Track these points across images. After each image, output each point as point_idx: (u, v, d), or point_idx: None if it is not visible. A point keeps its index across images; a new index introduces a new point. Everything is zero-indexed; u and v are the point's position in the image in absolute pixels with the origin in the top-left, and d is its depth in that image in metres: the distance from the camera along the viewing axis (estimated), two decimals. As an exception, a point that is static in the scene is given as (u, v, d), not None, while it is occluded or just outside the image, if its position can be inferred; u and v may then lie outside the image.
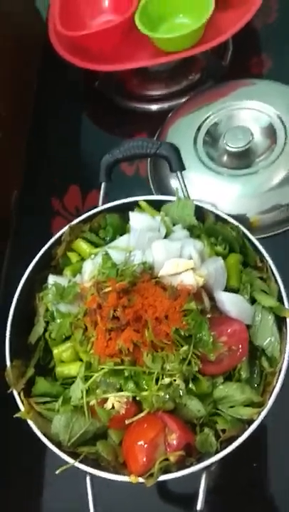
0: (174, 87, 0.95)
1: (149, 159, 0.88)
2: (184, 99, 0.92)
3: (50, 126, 1.01)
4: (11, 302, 0.61)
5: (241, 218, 0.76)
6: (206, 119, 0.83)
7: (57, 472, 0.49)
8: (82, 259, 0.64)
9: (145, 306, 0.51)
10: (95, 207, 0.66)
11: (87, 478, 0.51)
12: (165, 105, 0.95)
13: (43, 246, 0.64)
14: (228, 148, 0.78)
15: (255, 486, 0.60)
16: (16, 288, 0.61)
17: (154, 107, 0.96)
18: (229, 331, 0.52)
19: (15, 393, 0.55)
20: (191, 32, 0.84)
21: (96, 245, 0.64)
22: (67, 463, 0.51)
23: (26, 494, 0.66)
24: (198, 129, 0.82)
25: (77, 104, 1.04)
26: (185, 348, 0.49)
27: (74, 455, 0.52)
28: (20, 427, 0.53)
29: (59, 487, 0.63)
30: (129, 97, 0.97)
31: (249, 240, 0.59)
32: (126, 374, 0.49)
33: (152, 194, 0.84)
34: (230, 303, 0.54)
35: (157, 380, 0.49)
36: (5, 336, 0.58)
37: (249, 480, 0.61)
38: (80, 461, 0.51)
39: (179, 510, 0.59)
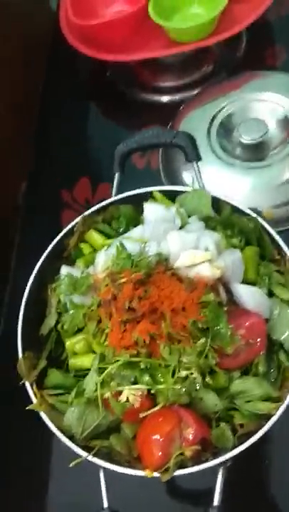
0: (187, 78, 0.94)
1: (160, 151, 0.87)
2: (196, 91, 0.91)
3: (60, 118, 1.00)
4: (22, 294, 0.59)
5: (253, 211, 0.75)
6: (219, 111, 0.81)
7: (70, 465, 0.49)
8: (95, 251, 0.63)
9: (161, 297, 0.50)
10: (105, 199, 0.65)
11: (101, 472, 0.50)
12: (177, 97, 0.94)
13: (52, 238, 0.63)
14: (242, 140, 0.77)
15: (268, 483, 0.59)
16: (25, 280, 0.60)
17: (165, 99, 0.95)
18: (247, 324, 0.51)
19: (27, 385, 0.54)
20: (205, 22, 0.83)
21: (109, 236, 0.63)
22: (78, 456, 0.50)
23: (36, 489, 0.65)
24: (212, 120, 0.81)
25: (87, 95, 1.03)
26: (202, 340, 0.48)
27: (87, 448, 0.51)
28: (30, 420, 0.52)
29: (70, 481, 0.62)
30: (140, 88, 0.96)
31: (267, 232, 0.58)
32: (142, 366, 0.48)
33: (165, 186, 0.83)
34: (248, 296, 0.52)
35: (174, 373, 0.48)
36: (16, 328, 0.57)
37: (261, 476, 0.60)
38: (94, 455, 0.50)
39: (193, 505, 0.58)
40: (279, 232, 0.76)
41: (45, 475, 0.65)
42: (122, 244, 0.56)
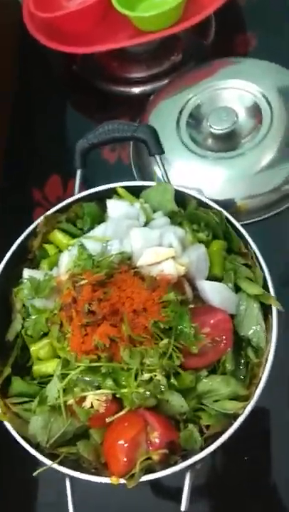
0: (156, 68, 0.91)
1: (131, 145, 0.85)
2: (166, 81, 0.88)
3: (29, 113, 0.97)
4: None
5: (228, 203, 0.74)
6: (188, 101, 0.79)
7: (34, 474, 0.47)
8: (60, 251, 0.61)
9: (122, 298, 0.48)
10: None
11: (67, 481, 0.49)
12: (147, 88, 0.91)
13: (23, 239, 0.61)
14: (212, 130, 0.75)
15: (248, 481, 0.58)
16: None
17: (135, 90, 0.92)
18: (212, 321, 0.49)
19: (-10, 394, 0.52)
20: (171, 9, 0.80)
21: (74, 236, 0.61)
22: (46, 465, 0.49)
23: (5, 496, 0.63)
24: (181, 111, 0.79)
25: (56, 89, 1.00)
26: (165, 341, 0.47)
27: (53, 456, 0.50)
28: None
29: (39, 489, 0.60)
30: (109, 80, 0.93)
31: (233, 225, 0.56)
32: (103, 371, 0.47)
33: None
34: (213, 292, 0.51)
35: (136, 376, 0.46)
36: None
37: (242, 474, 0.59)
38: (60, 463, 0.49)
39: (163, 510, 0.56)
40: (255, 223, 0.75)
41: (10, 484, 0.63)
42: (82, 245, 0.54)
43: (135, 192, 0.62)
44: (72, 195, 0.63)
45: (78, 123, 0.94)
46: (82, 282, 0.50)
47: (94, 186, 0.63)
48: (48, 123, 0.96)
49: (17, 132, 0.96)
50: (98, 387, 0.48)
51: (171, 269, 0.51)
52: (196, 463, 0.46)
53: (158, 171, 0.62)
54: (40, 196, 0.87)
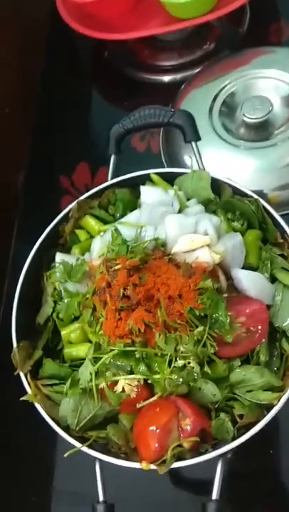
0: (188, 56, 0.90)
1: (161, 132, 0.84)
2: (197, 70, 0.87)
3: (58, 101, 0.97)
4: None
5: (258, 194, 0.72)
6: (222, 89, 0.78)
7: (65, 455, 0.47)
8: (91, 237, 0.61)
9: (157, 284, 0.48)
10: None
11: (97, 464, 0.49)
12: (178, 76, 0.90)
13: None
14: (245, 119, 0.74)
15: (272, 473, 0.57)
16: (23, 268, 0.58)
17: (166, 78, 0.91)
18: (248, 311, 0.48)
19: (21, 375, 0.52)
20: (206, -4, 0.79)
21: (105, 222, 0.61)
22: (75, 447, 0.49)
23: (35, 479, 0.64)
24: (214, 99, 0.78)
25: (85, 77, 1.00)
26: (200, 328, 0.46)
27: (83, 440, 0.50)
28: (28, 410, 0.51)
29: (69, 472, 0.61)
30: (140, 68, 0.93)
31: (270, 214, 0.55)
32: (137, 356, 0.47)
33: (165, 169, 0.80)
34: (249, 281, 0.50)
35: (170, 363, 0.46)
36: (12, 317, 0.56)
37: (265, 467, 0.58)
38: (90, 446, 0.49)
39: (191, 498, 0.56)
40: (283, 215, 0.73)
41: (41, 466, 0.64)
42: (116, 230, 0.54)
43: (168, 179, 0.62)
44: (101, 182, 0.62)
45: (107, 110, 0.94)
46: (117, 267, 0.50)
47: (122, 174, 0.63)
48: (76, 110, 0.96)
49: (46, 119, 0.96)
50: (130, 372, 0.48)
51: (206, 257, 0.50)
52: (227, 452, 0.46)
53: (192, 159, 0.61)
54: (68, 183, 0.87)
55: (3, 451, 0.67)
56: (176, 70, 0.90)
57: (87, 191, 0.84)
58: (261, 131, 0.75)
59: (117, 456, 0.48)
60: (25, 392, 0.52)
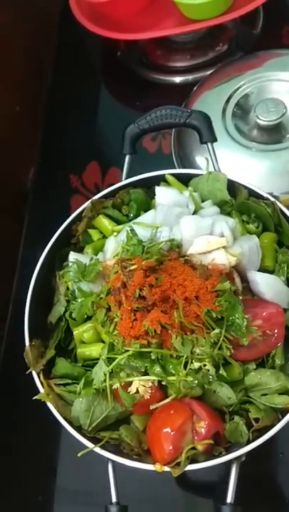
0: (200, 58, 0.90)
1: (173, 133, 0.84)
2: (210, 71, 0.87)
3: (68, 100, 0.97)
4: (29, 281, 0.57)
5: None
6: (235, 91, 0.78)
7: (79, 455, 0.47)
8: (104, 237, 0.61)
9: (173, 285, 0.48)
10: (113, 184, 0.62)
11: (109, 466, 0.48)
12: (189, 77, 0.90)
13: (61, 224, 0.61)
14: (259, 121, 0.73)
15: (285, 479, 0.57)
16: (33, 266, 0.58)
17: (177, 79, 0.91)
18: (264, 314, 0.48)
19: (34, 374, 0.52)
20: (220, -2, 0.79)
21: (118, 222, 0.61)
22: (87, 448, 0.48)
23: (47, 478, 0.64)
24: (228, 100, 0.77)
25: (97, 76, 1.00)
26: (216, 331, 0.46)
27: (95, 440, 0.49)
28: (36, 409, 0.51)
29: (79, 474, 0.61)
30: (152, 68, 0.92)
31: (286, 217, 0.55)
32: (152, 357, 0.46)
33: (177, 170, 0.79)
34: (266, 284, 0.50)
35: (186, 365, 0.46)
36: (22, 315, 0.55)
37: (277, 472, 0.58)
38: (102, 447, 0.48)
39: (205, 502, 0.56)
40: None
41: (54, 466, 0.63)
42: (132, 230, 0.53)
43: (182, 180, 0.61)
44: (110, 182, 0.62)
45: (118, 110, 0.94)
46: (132, 267, 0.50)
47: (133, 174, 0.63)
48: (87, 110, 0.95)
49: (57, 118, 0.96)
50: (144, 373, 0.48)
51: (222, 259, 0.50)
52: (242, 456, 0.46)
53: (208, 159, 0.61)
54: (78, 183, 0.87)
55: (11, 451, 0.67)
56: (189, 71, 0.90)
57: (97, 190, 0.85)
58: (274, 134, 0.74)
59: (130, 458, 0.48)
60: (32, 392, 0.51)
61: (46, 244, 0.59)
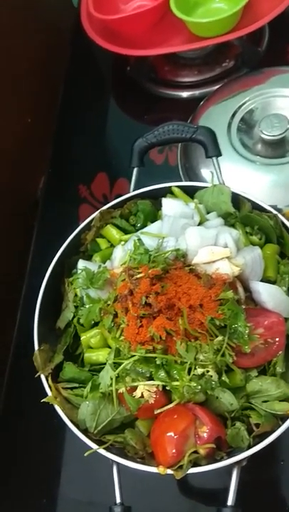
0: (207, 73, 0.93)
1: (179, 146, 0.86)
2: (217, 86, 0.89)
3: (79, 113, 1.00)
4: (38, 288, 0.59)
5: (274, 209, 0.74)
6: (241, 106, 0.80)
7: (85, 454, 0.48)
8: (112, 246, 0.63)
9: (178, 293, 0.50)
10: (121, 195, 0.64)
11: (114, 468, 0.50)
12: (196, 92, 0.93)
13: (70, 232, 0.63)
14: (263, 136, 0.76)
15: (285, 483, 0.58)
16: (42, 273, 0.60)
17: (184, 94, 0.94)
18: (266, 323, 0.50)
19: (42, 378, 0.54)
20: (228, 17, 0.82)
21: (126, 232, 0.63)
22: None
23: (50, 482, 0.65)
24: (233, 115, 0.80)
25: (106, 91, 1.03)
26: (220, 338, 0.48)
27: (100, 443, 0.51)
28: (40, 412, 0.52)
29: (84, 476, 0.62)
30: (160, 83, 0.95)
31: (288, 229, 0.57)
32: (158, 362, 0.48)
33: (183, 182, 0.82)
34: (268, 294, 0.51)
35: (190, 370, 0.47)
36: (32, 321, 0.57)
37: (278, 476, 0.59)
38: (107, 449, 0.50)
39: (206, 504, 0.57)
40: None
41: (58, 468, 0.65)
42: (139, 240, 0.55)
43: (187, 192, 0.64)
44: (118, 193, 0.64)
45: (127, 124, 0.96)
46: (139, 275, 0.52)
47: (140, 186, 0.65)
48: (97, 123, 0.98)
49: (67, 130, 0.99)
50: (149, 378, 0.49)
51: (226, 269, 0.52)
52: (242, 460, 0.47)
53: (213, 173, 0.63)
54: (86, 193, 0.90)
55: (16, 453, 0.69)
56: (196, 87, 0.93)
57: (105, 200, 0.87)
58: (278, 148, 0.77)
59: (134, 460, 0.49)
60: (38, 395, 0.53)
61: (55, 252, 0.61)
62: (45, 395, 0.53)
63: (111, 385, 0.49)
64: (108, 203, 0.64)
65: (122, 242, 0.60)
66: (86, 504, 0.60)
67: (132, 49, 0.89)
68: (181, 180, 0.84)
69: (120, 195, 0.64)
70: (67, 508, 0.63)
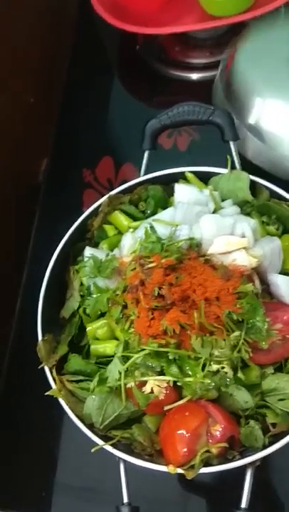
0: (219, 56, 0.89)
1: (190, 131, 0.83)
2: (229, 70, 0.86)
3: (84, 93, 0.96)
4: (39, 276, 0.57)
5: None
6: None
7: (92, 450, 0.46)
8: (120, 233, 0.60)
9: (193, 285, 0.47)
10: (126, 181, 0.61)
11: (121, 465, 0.48)
12: (207, 74, 0.89)
13: (73, 218, 0.59)
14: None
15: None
16: (43, 261, 0.57)
17: (194, 76, 0.90)
18: (285, 318, 0.47)
19: (46, 369, 0.51)
20: (243, -5, 0.78)
21: (135, 219, 0.60)
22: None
23: (55, 481, 0.63)
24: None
25: (113, 70, 0.98)
26: (236, 333, 0.45)
27: (106, 438, 0.49)
28: (43, 405, 0.50)
29: (90, 474, 0.60)
30: (169, 64, 0.91)
31: (308, 220, 0.54)
32: (170, 357, 0.45)
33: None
34: (287, 287, 0.49)
35: (204, 366, 0.45)
36: (33, 310, 0.54)
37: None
38: (114, 446, 0.47)
39: (218, 506, 0.55)
40: None
41: (64, 466, 0.62)
42: (152, 227, 0.52)
43: (201, 178, 0.60)
44: (124, 178, 0.61)
45: (134, 106, 0.92)
46: (151, 265, 0.49)
47: (148, 172, 0.61)
48: (102, 104, 0.94)
49: (71, 111, 0.94)
50: (160, 373, 0.47)
51: (243, 260, 0.49)
52: (256, 460, 0.45)
53: (229, 158, 0.60)
54: (91, 177, 0.86)
55: (17, 447, 0.66)
56: (207, 68, 0.89)
57: (110, 185, 0.84)
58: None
59: (141, 458, 0.47)
60: (40, 388, 0.51)
61: (57, 238, 0.58)
62: (46, 386, 0.50)
63: (119, 379, 0.47)
64: (113, 188, 0.61)
65: (131, 230, 0.57)
66: (93, 504, 0.58)
67: (142, 27, 0.84)
68: (189, 166, 0.80)
69: (126, 181, 0.61)
70: (71, 505, 0.61)
